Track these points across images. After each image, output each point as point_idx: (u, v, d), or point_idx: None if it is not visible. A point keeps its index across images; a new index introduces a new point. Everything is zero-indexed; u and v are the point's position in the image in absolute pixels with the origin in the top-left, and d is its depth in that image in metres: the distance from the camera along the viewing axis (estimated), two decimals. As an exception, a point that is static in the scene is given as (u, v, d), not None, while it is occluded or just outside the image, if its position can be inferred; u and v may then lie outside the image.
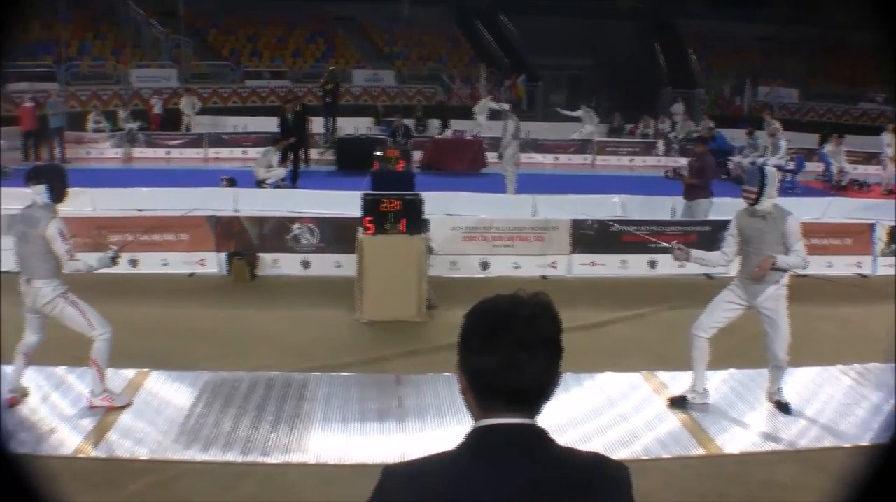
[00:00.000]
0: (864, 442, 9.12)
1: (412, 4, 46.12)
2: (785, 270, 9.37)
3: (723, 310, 9.64)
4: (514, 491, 2.46)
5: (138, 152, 30.17)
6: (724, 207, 17.44)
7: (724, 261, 9.87)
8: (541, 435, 2.58)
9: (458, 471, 2.51)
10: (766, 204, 9.28)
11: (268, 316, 12.52)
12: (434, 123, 33.88)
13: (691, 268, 15.14)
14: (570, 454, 2.64)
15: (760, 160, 28.39)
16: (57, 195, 8.90)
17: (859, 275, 16.32)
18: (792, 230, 9.27)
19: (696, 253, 9.77)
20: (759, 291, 9.42)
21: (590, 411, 9.36)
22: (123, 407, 9.11)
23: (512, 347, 2.50)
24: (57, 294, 8.85)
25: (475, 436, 2.57)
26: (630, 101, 39.71)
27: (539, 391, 2.58)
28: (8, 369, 9.15)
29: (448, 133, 31.61)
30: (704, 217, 16.37)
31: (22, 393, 9.21)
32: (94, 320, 8.97)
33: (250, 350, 10.93)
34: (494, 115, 30.97)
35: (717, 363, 9.90)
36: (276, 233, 14.67)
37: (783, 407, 9.82)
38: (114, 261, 9.35)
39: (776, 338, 9.51)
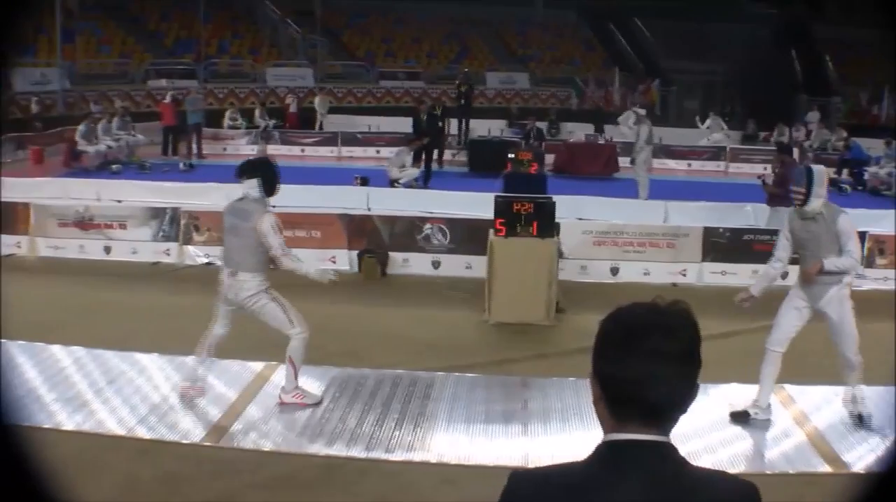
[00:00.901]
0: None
1: (546, 7, 46.04)
2: (836, 273, 8.99)
3: (791, 320, 9.34)
4: None
5: (273, 149, 30.48)
6: (856, 218, 17.13)
7: (780, 268, 9.57)
8: (672, 453, 2.51)
9: (584, 485, 2.47)
10: (815, 204, 8.96)
11: (396, 314, 12.60)
12: (567, 127, 33.78)
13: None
14: (700, 474, 2.57)
15: (899, 171, 27.79)
16: (269, 189, 8.95)
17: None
18: (844, 229, 8.95)
19: (755, 289, 9.57)
20: (820, 294, 9.09)
21: (715, 422, 9.21)
22: (315, 405, 9.24)
23: (647, 358, 2.43)
24: (262, 288, 8.93)
25: (604, 450, 2.51)
26: (764, 108, 39.02)
27: (674, 405, 2.50)
28: (188, 360, 9.42)
29: (581, 136, 31.50)
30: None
31: (199, 386, 9.34)
32: (295, 318, 9.04)
33: (378, 347, 11.02)
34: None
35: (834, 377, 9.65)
36: (407, 232, 14.79)
37: (860, 420, 9.43)
38: (331, 282, 9.47)
39: (843, 340, 9.18)
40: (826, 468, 8.50)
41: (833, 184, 28.23)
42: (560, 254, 13.05)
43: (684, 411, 2.53)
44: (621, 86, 40.99)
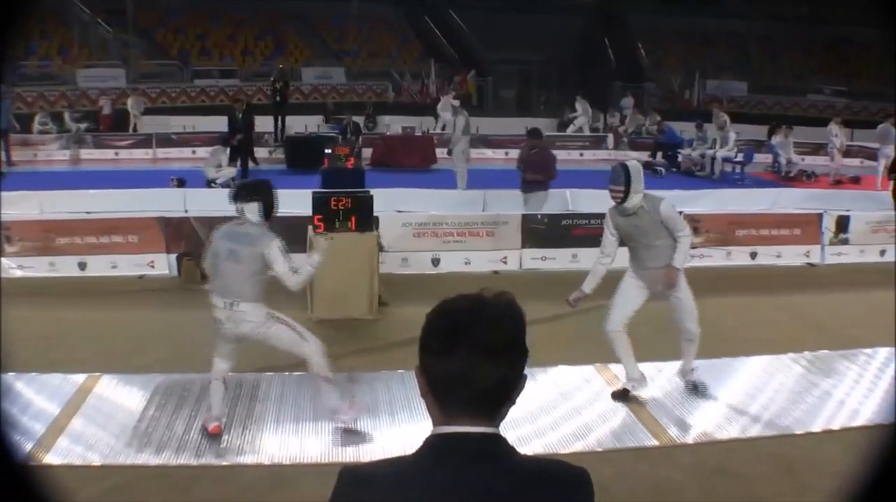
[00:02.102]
0: (815, 429, 9.27)
1: (361, 1, 45.99)
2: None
3: (629, 301, 9.69)
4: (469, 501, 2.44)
5: (86, 154, 29.83)
6: (671, 199, 17.56)
7: (608, 263, 9.77)
8: (500, 445, 2.53)
9: (413, 478, 2.48)
10: (634, 200, 9.26)
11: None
12: (384, 120, 33.88)
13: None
14: (530, 463, 2.61)
15: (710, 152, 28.71)
16: (269, 213, 8.56)
17: (808, 264, 16.50)
18: (668, 215, 9.32)
19: (587, 287, 9.76)
20: (654, 278, 9.49)
21: (544, 405, 9.40)
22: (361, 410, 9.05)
23: (471, 351, 2.44)
24: (265, 316, 8.43)
25: (433, 443, 2.52)
26: (580, 96, 39.82)
27: (500, 397, 2.52)
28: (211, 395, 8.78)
29: (398, 129, 31.62)
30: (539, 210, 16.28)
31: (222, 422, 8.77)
32: (303, 331, 8.63)
33: (202, 351, 10.78)
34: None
35: (668, 354, 9.97)
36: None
37: (697, 389, 9.95)
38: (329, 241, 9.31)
39: (684, 314, 9.64)
40: (653, 441, 8.81)
41: (648, 166, 29.06)
42: (380, 248, 13.05)
43: (512, 402, 2.56)
44: (438, 78, 41.19)
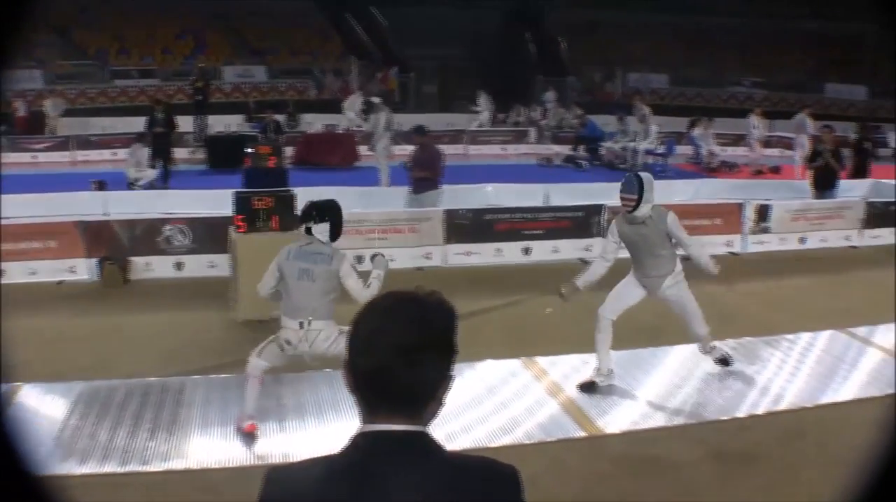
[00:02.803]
0: (740, 415, 9.42)
1: (282, -2, 45.82)
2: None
3: (628, 297, 9.97)
4: (395, 500, 2.42)
5: (2, 157, 29.39)
6: (594, 192, 17.74)
7: (606, 267, 9.94)
8: (426, 441, 2.52)
9: (339, 477, 2.46)
10: (644, 209, 9.48)
11: (142, 321, 12.30)
12: (306, 118, 33.74)
13: (566, 254, 15.42)
14: (458, 460, 2.60)
15: (631, 145, 28.94)
16: (337, 234, 8.66)
17: (730, 253, 16.71)
18: (674, 227, 9.63)
19: (581, 283, 9.98)
20: (657, 286, 9.80)
21: (471, 400, 9.43)
22: None
23: (391, 350, 2.43)
24: (338, 332, 8.32)
25: (358, 442, 2.50)
26: (502, 91, 39.94)
27: (425, 395, 2.52)
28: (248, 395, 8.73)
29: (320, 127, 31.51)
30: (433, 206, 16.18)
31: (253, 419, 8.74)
32: None
33: (125, 357, 10.74)
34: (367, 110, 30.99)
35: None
36: (148, 235, 14.35)
37: (724, 361, 10.52)
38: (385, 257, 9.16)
39: (691, 319, 10.04)
40: (581, 433, 8.88)
41: (570, 160, 29.31)
42: (305, 247, 12.99)
43: (437, 400, 2.55)
44: (359, 75, 41.12)
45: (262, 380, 8.73)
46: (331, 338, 8.34)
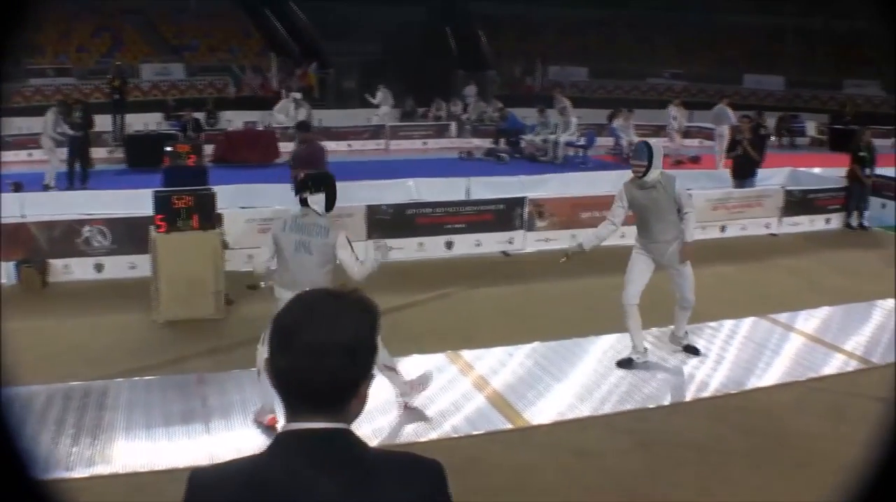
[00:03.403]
0: (666, 403, 9.59)
1: (201, -7, 45.38)
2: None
3: (641, 276, 10.46)
4: (319, 498, 2.41)
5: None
6: (515, 185, 17.82)
7: (612, 230, 10.65)
8: (349, 440, 2.51)
9: (263, 477, 2.44)
10: (653, 174, 10.09)
11: (62, 324, 12.11)
12: (225, 115, 33.50)
13: (488, 247, 15.48)
14: (381, 457, 2.59)
15: (552, 137, 29.13)
16: (332, 204, 8.75)
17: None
18: (681, 192, 10.27)
19: (586, 241, 10.69)
20: (663, 251, 10.34)
21: (397, 396, 9.41)
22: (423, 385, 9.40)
23: (304, 349, 2.43)
24: None
25: (281, 440, 2.50)
26: (422, 85, 39.95)
27: (343, 394, 2.50)
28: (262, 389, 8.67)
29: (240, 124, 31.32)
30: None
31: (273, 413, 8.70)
32: None
33: (45, 361, 10.54)
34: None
35: (519, 338, 10.09)
36: (67, 237, 14.06)
37: (693, 350, 11.01)
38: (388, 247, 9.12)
39: (685, 284, 10.55)
40: (508, 425, 8.96)
41: (491, 153, 29.40)
42: (224, 245, 12.89)
43: (360, 398, 2.54)
44: (279, 71, 40.91)
45: None
46: None
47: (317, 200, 8.60)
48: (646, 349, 10.63)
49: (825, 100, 43.76)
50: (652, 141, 10.61)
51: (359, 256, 8.73)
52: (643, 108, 36.15)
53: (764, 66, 46.93)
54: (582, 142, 29.69)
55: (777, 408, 9.68)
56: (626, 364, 10.48)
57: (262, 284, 9.05)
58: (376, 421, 8.72)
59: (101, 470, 8.02)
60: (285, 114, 31.67)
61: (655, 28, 48.69)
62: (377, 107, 35.43)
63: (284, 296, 8.22)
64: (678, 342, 11.11)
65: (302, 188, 8.73)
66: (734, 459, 8.36)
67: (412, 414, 9.14)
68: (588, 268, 14.67)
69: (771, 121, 37.60)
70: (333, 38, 43.96)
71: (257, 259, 8.94)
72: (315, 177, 8.97)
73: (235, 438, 8.52)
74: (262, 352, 8.46)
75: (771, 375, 10.58)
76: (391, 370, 9.02)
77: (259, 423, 8.73)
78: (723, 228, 17.96)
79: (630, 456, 8.39)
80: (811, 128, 38.95)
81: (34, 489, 2.82)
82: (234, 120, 32.71)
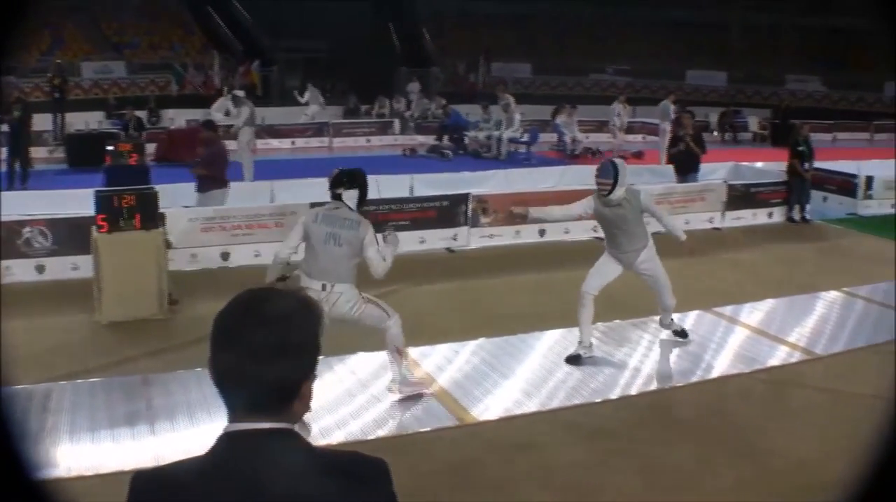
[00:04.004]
0: (613, 397, 9.66)
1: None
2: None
3: (608, 272, 10.70)
4: (263, 499, 2.39)
5: None
6: (459, 182, 17.83)
7: (562, 217, 11.50)
8: (291, 439, 2.50)
9: (204, 479, 2.42)
10: (618, 192, 10.24)
11: (3, 327, 11.95)
12: (168, 114, 33.25)
13: (432, 244, 15.49)
14: (324, 456, 2.58)
15: (496, 133, 29.17)
16: (364, 199, 9.05)
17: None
18: (648, 204, 10.56)
19: (536, 210, 11.20)
20: (632, 260, 10.60)
21: (343, 395, 9.47)
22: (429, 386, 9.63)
23: (246, 349, 2.41)
24: (358, 296, 8.86)
25: (223, 441, 2.48)
26: (366, 82, 39.93)
27: (284, 395, 2.49)
28: None
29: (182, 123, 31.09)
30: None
31: None
32: (387, 307, 9.18)
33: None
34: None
35: (465, 335, 10.10)
36: (7, 238, 13.77)
37: (682, 334, 11.42)
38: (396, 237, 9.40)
39: (662, 290, 10.85)
40: (454, 421, 8.97)
41: (435, 150, 29.41)
42: (167, 245, 12.79)
43: (302, 399, 2.52)
44: (221, 69, 40.71)
45: None
46: (351, 301, 8.77)
47: (350, 195, 8.86)
48: (591, 344, 10.69)
49: (767, 95, 44.19)
50: (618, 160, 10.75)
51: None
52: (587, 105, 36.27)
53: (707, 61, 47.33)
54: (525, 138, 29.78)
55: (722, 400, 9.78)
56: (574, 360, 10.53)
57: (295, 273, 9.12)
58: (323, 420, 8.68)
59: (44, 474, 7.93)
60: (223, 112, 31.49)
61: (599, 24, 48.96)
62: (306, 104, 35.34)
63: (311, 285, 8.64)
64: (668, 327, 11.44)
65: (337, 183, 8.94)
66: (680, 451, 8.43)
67: (359, 412, 9.10)
68: (533, 263, 14.79)
69: (713, 116, 38.07)
70: (277, 35, 43.86)
71: (282, 251, 9.10)
72: (350, 174, 9.13)
73: (181, 439, 8.44)
74: None
75: (716, 368, 10.72)
76: (399, 354, 9.27)
77: None
78: (667, 223, 18.11)
79: (576, 449, 8.43)
80: (753, 123, 39.33)
81: None
82: (176, 118, 32.54)
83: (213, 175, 15.98)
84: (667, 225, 10.73)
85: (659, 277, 10.75)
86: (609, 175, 10.22)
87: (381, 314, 9.08)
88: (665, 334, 11.54)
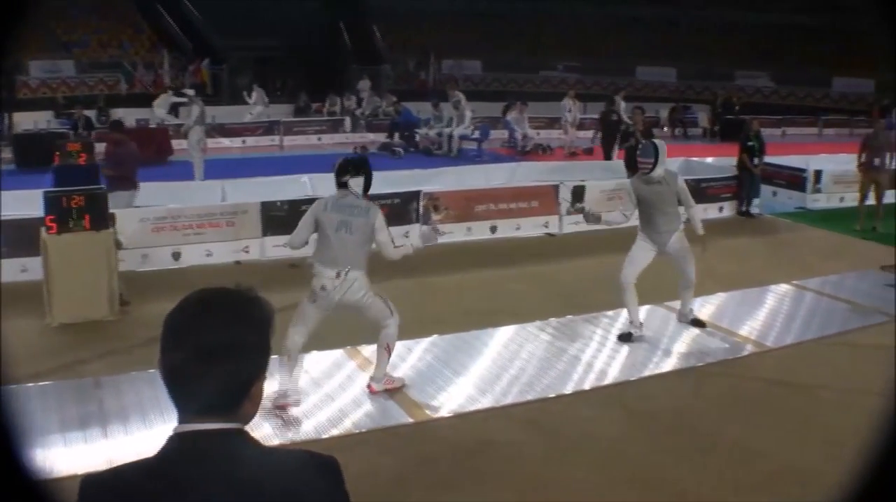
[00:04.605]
0: (567, 392, 9.71)
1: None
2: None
3: (642, 260, 11.41)
4: (213, 500, 2.38)
5: None
6: (412, 179, 17.82)
7: (624, 220, 11.68)
8: (241, 439, 2.49)
9: (154, 480, 2.41)
10: (659, 171, 11.13)
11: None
12: (117, 113, 32.99)
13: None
14: (274, 455, 2.56)
15: (446, 131, 29.22)
16: (369, 187, 9.19)
17: (547, 234, 16.98)
18: (682, 187, 11.43)
19: (603, 213, 11.91)
20: (665, 241, 11.30)
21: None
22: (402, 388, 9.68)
23: (195, 349, 2.40)
24: (368, 285, 9.07)
25: (172, 443, 2.46)
26: (317, 80, 39.85)
27: (234, 395, 2.48)
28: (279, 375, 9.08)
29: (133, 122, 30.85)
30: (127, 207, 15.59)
31: (296, 397, 9.25)
32: (392, 305, 9.35)
33: None
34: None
35: (418, 332, 10.12)
36: (-46, 241, 13.77)
37: (699, 323, 12.00)
38: (437, 232, 9.79)
39: (687, 266, 11.58)
40: (409, 419, 8.97)
41: (386, 148, 29.40)
42: (118, 245, 12.67)
43: (252, 399, 2.52)
44: (171, 67, 40.48)
45: (295, 359, 9.20)
46: (364, 289, 9.01)
47: (357, 183, 9.02)
48: (641, 323, 11.47)
49: (717, 91, 44.51)
50: (658, 141, 11.62)
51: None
52: (537, 101, 36.39)
53: (657, 58, 47.60)
54: (476, 135, 29.90)
55: (676, 394, 9.85)
56: (625, 338, 11.34)
57: (307, 261, 9.30)
58: (276, 419, 8.68)
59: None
60: (165, 108, 31.35)
61: (549, 20, 49.09)
62: (252, 105, 35.25)
63: (325, 272, 8.90)
64: (685, 318, 12.03)
65: (342, 172, 9.08)
66: (635, 444, 8.49)
67: (313, 411, 9.09)
68: (485, 260, 14.81)
69: (664, 112, 38.33)
70: (227, 33, 43.62)
71: (294, 241, 9.24)
72: (355, 162, 9.37)
73: (134, 442, 8.38)
74: (293, 334, 8.99)
75: (669, 362, 10.81)
76: (387, 352, 9.47)
77: (278, 408, 8.99)
78: (618, 218, 18.26)
79: (531, 445, 8.46)
80: (703, 118, 39.62)
81: None
82: (125, 117, 32.15)
83: (120, 175, 15.82)
84: (691, 214, 11.48)
85: (686, 256, 11.47)
86: (651, 154, 11.12)
87: (385, 310, 9.24)
88: (618, 329, 11.67)
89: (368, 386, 9.56)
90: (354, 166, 9.18)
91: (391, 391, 9.55)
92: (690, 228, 11.37)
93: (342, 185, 9.05)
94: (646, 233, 11.42)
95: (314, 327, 9.16)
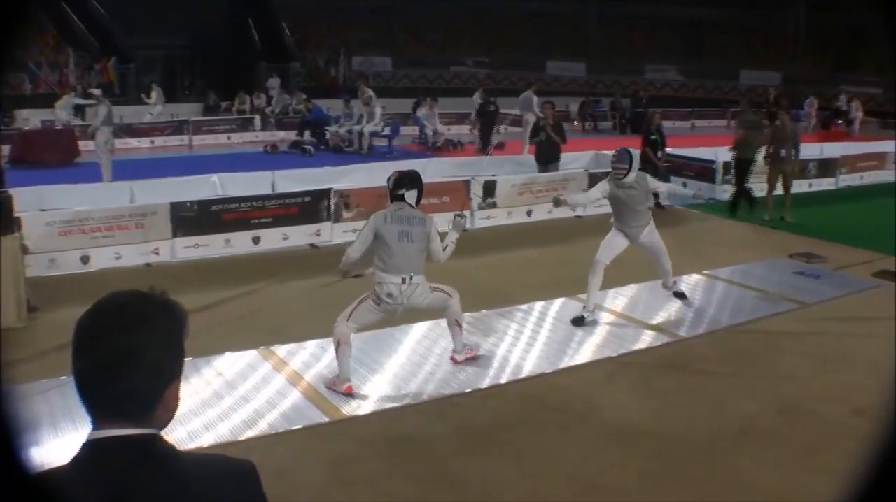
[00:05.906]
0: (484, 386, 9.81)
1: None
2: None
3: (617, 244, 12.15)
4: None
5: None
6: (323, 176, 17.75)
7: (587, 202, 13.89)
8: (156, 445, 2.44)
9: (65, 489, 2.35)
10: (631, 176, 11.89)
11: None
12: (22, 114, 32.45)
13: (295, 240, 15.47)
14: (189, 461, 2.52)
15: (357, 128, 29.26)
16: (420, 198, 9.92)
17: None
18: (652, 183, 12.29)
19: (570, 198, 13.05)
20: (637, 233, 12.10)
21: (210, 396, 9.36)
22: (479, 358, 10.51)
23: (106, 354, 2.35)
24: (428, 285, 9.76)
25: (85, 450, 2.40)
26: (225, 78, 39.58)
27: (146, 401, 2.43)
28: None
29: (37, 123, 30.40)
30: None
31: (349, 385, 9.60)
32: (447, 288, 10.09)
33: None
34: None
35: (329, 331, 10.08)
36: None
37: (682, 296, 13.00)
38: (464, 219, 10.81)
39: (661, 256, 12.47)
40: (325, 418, 8.97)
41: (296, 146, 29.32)
42: (25, 250, 12.45)
43: (166, 403, 2.47)
44: (77, 66, 39.94)
45: (349, 349, 9.64)
46: (426, 291, 9.73)
47: (412, 195, 9.74)
48: (596, 307, 12.08)
49: (626, 84, 44.95)
50: (632, 149, 12.48)
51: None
52: (448, 97, 36.56)
53: (566, 52, 47.99)
54: (387, 132, 30.00)
55: (590, 385, 9.95)
56: (578, 321, 11.77)
57: (368, 271, 10.15)
58: (191, 422, 8.58)
59: None
60: (68, 110, 30.94)
61: (457, 16, 49.25)
62: (152, 105, 34.96)
63: (391, 280, 9.50)
64: (669, 289, 12.93)
65: (399, 185, 9.76)
66: (552, 437, 8.58)
67: (228, 413, 9.02)
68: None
69: (573, 106, 38.65)
70: (134, 31, 43.13)
71: (352, 252, 9.78)
72: (410, 176, 9.96)
73: (43, 452, 8.22)
74: (342, 327, 9.55)
75: (583, 353, 10.94)
76: (458, 326, 10.25)
77: (333, 390, 9.53)
78: (529, 212, 18.43)
79: (448, 440, 8.50)
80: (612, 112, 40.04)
81: None
82: (30, 118, 31.71)
83: None
84: (668, 191, 13.91)
85: (658, 247, 12.33)
86: (626, 160, 11.83)
87: (444, 296, 9.99)
88: (533, 323, 11.86)
89: (452, 358, 10.41)
90: (410, 180, 9.83)
91: (472, 360, 10.38)
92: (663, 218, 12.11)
93: (398, 198, 9.69)
94: (618, 227, 12.20)
95: (375, 320, 9.90)
